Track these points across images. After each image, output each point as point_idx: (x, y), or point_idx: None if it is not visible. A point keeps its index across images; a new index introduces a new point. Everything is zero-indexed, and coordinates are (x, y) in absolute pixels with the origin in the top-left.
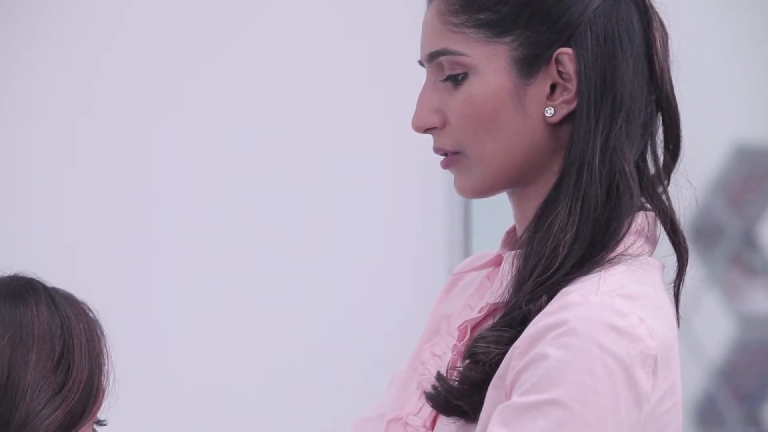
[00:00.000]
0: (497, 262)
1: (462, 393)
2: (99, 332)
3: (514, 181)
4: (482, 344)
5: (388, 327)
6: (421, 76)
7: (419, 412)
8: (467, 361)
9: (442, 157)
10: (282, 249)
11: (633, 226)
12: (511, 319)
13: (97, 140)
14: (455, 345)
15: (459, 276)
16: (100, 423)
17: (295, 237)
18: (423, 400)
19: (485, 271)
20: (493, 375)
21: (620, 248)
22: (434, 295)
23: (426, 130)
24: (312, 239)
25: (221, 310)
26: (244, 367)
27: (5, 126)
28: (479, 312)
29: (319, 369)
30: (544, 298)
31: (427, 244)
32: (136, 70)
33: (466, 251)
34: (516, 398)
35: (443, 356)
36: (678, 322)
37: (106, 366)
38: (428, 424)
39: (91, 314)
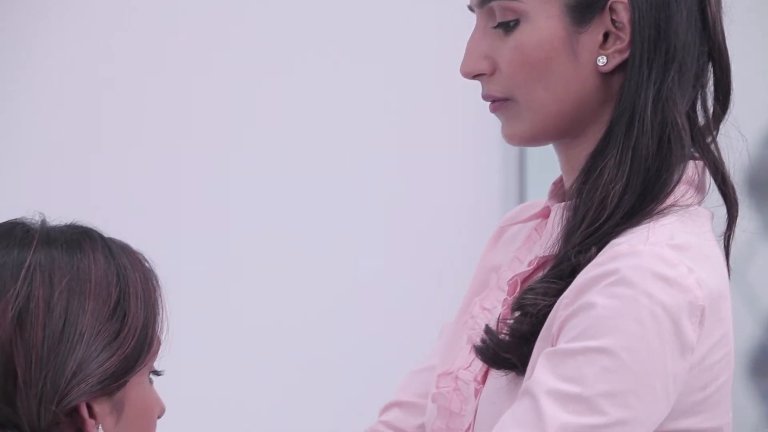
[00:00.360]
0: (545, 213)
1: (511, 346)
2: (154, 282)
3: (563, 131)
4: (531, 296)
5: (442, 275)
6: (464, 22)
7: (470, 366)
8: (516, 314)
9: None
10: (339, 195)
11: (683, 176)
12: (560, 271)
13: (98, 140)
14: (506, 299)
15: (505, 227)
16: (156, 373)
17: (354, 186)
18: (473, 354)
19: (532, 223)
20: (541, 327)
21: (670, 199)
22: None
23: (475, 77)
24: (369, 188)
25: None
26: (296, 347)
27: (5, 126)
28: (528, 265)
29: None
30: (594, 249)
31: (481, 192)
32: (138, 69)
33: (521, 199)
34: (563, 344)
35: (493, 310)
36: (729, 274)
37: (160, 316)
38: (479, 378)
39: (147, 264)
